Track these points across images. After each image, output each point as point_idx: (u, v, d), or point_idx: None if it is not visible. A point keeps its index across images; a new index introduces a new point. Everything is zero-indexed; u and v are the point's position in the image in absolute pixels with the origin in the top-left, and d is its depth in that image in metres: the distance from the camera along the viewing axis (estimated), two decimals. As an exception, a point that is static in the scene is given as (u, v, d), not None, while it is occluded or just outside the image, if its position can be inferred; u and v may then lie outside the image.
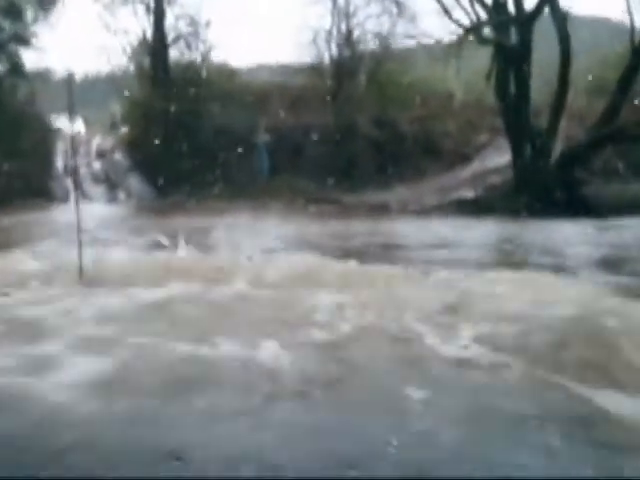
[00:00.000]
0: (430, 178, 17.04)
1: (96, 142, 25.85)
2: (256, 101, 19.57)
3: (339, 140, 17.88)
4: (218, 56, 20.61)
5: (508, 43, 13.91)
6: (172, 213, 15.17)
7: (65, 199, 19.27)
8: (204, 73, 20.37)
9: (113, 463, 1.23)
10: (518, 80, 13.78)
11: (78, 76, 27.25)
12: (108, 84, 23.25)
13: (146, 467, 1.20)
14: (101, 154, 23.93)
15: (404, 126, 18.17)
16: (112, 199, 20.30)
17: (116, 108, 23.95)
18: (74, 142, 26.06)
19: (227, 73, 20.74)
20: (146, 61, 21.66)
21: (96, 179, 22.52)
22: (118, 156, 23.57)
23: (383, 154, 17.54)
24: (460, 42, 14.96)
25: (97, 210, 15.62)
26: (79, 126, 30.35)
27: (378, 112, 18.21)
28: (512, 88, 14.23)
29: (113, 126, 23.58)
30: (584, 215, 12.20)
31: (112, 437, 1.57)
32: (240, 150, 18.06)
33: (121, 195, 20.74)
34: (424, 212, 14.61)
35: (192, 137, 18.62)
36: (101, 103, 24.22)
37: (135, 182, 21.07)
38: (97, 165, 23.60)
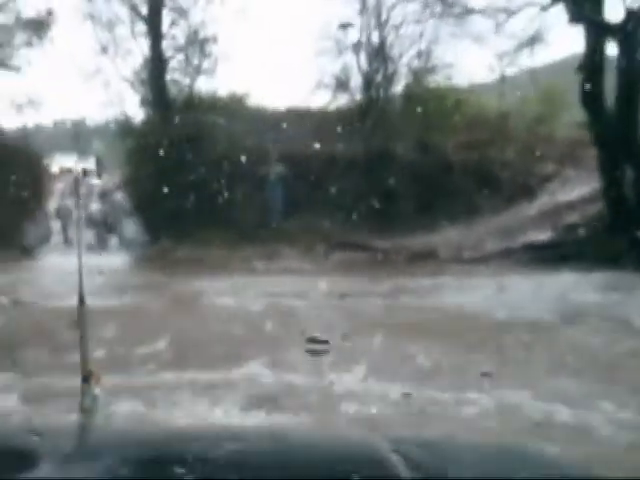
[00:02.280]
0: (487, 216, 13.35)
1: (100, 182, 23.18)
2: (269, 127, 16.30)
3: (371, 170, 14.39)
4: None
5: (604, 21, 10.28)
6: (150, 268, 11.86)
7: (43, 244, 16.14)
8: (208, 97, 17.31)
9: None
10: (623, 75, 10.08)
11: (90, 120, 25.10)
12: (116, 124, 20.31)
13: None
14: (103, 195, 21.11)
15: (451, 153, 14.60)
16: (99, 246, 17.03)
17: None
18: (76, 182, 23.43)
19: (235, 98, 17.56)
20: (144, 88, 18.66)
21: (93, 222, 19.42)
22: (119, 197, 20.58)
23: (426, 187, 13.95)
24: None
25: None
26: (90, 166, 27.80)
27: (418, 136, 14.71)
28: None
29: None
30: None
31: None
32: (248, 185, 14.70)
33: (112, 240, 17.50)
34: (485, 260, 10.93)
35: (192, 171, 15.36)
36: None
37: (130, 225, 17.85)
38: (95, 206, 20.62)
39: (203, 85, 18.05)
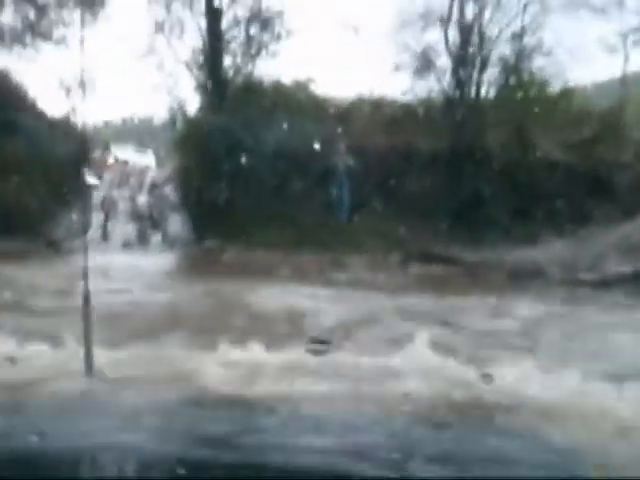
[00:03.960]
0: (601, 228, 10.84)
1: (151, 174, 21.70)
2: (336, 117, 14.20)
3: (456, 168, 12.09)
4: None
5: None
6: (185, 273, 9.91)
7: (77, 238, 14.35)
8: (268, 83, 15.33)
9: None
10: None
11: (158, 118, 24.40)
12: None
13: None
14: (153, 187, 19.58)
15: (555, 152, 12.13)
16: (139, 242, 15.24)
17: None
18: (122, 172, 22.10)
19: (299, 84, 15.50)
20: (200, 71, 16.80)
21: (138, 216, 17.73)
22: (168, 190, 18.88)
23: (524, 190, 11.56)
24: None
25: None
26: (149, 159, 26.77)
27: (514, 131, 12.30)
28: None
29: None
30: None
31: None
32: (310, 180, 12.60)
33: (155, 237, 15.66)
34: (609, 285, 8.47)
35: (248, 164, 13.39)
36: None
37: (175, 221, 16.03)
38: (142, 199, 18.97)
39: (264, 70, 16.08)
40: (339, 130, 13.38)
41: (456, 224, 11.53)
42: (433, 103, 13.05)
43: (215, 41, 16.07)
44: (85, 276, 2.40)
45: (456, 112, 12.31)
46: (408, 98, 13.54)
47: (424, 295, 7.43)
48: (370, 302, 6.83)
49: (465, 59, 12.34)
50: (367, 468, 1.05)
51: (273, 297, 6.86)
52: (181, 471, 0.98)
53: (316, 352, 4.18)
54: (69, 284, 6.24)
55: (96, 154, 20.82)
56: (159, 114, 23.07)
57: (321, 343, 4.35)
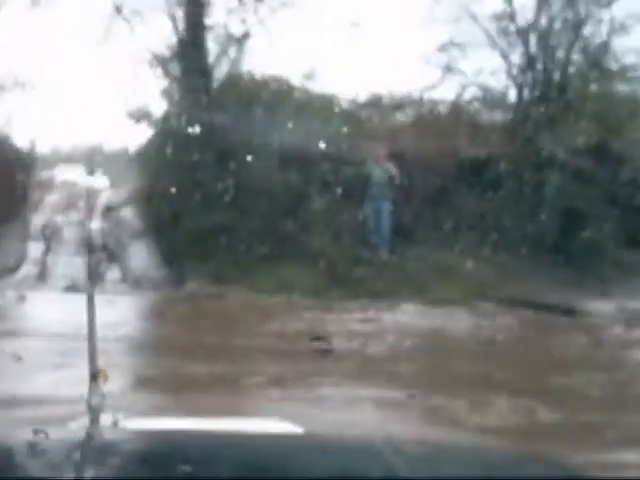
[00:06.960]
0: None
1: (107, 195, 17.97)
2: (357, 119, 10.94)
3: (536, 180, 8.91)
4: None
5: None
6: (148, 352, 6.08)
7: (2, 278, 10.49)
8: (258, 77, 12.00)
9: None
10: None
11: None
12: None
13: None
14: (108, 210, 15.76)
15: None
16: (91, 281, 11.39)
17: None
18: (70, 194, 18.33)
19: (303, 78, 12.07)
20: (173, 65, 13.26)
21: (87, 246, 13.86)
22: (127, 213, 15.16)
23: (623, 206, 8.47)
24: None
25: None
26: (101, 181, 23.26)
27: (602, 134, 9.22)
28: None
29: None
30: None
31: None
32: (333, 195, 9.14)
33: (112, 274, 11.81)
34: None
35: (242, 176, 9.89)
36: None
37: (139, 253, 12.30)
38: (94, 225, 15.11)
39: (253, 62, 12.64)
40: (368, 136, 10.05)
41: (545, 255, 8.28)
42: (497, 97, 9.83)
43: (193, 20, 12.61)
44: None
45: (532, 107, 9.15)
46: (438, 94, 10.25)
47: None
48: None
49: (547, 33, 9.10)
50: None
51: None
52: (186, 468, 0.93)
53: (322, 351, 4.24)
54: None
55: (39, 175, 17.15)
56: (111, 142, 20.35)
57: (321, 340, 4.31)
